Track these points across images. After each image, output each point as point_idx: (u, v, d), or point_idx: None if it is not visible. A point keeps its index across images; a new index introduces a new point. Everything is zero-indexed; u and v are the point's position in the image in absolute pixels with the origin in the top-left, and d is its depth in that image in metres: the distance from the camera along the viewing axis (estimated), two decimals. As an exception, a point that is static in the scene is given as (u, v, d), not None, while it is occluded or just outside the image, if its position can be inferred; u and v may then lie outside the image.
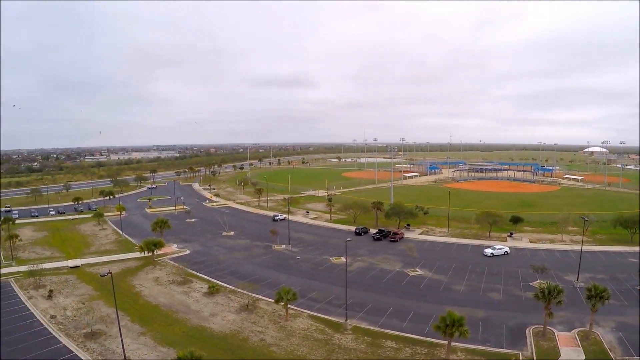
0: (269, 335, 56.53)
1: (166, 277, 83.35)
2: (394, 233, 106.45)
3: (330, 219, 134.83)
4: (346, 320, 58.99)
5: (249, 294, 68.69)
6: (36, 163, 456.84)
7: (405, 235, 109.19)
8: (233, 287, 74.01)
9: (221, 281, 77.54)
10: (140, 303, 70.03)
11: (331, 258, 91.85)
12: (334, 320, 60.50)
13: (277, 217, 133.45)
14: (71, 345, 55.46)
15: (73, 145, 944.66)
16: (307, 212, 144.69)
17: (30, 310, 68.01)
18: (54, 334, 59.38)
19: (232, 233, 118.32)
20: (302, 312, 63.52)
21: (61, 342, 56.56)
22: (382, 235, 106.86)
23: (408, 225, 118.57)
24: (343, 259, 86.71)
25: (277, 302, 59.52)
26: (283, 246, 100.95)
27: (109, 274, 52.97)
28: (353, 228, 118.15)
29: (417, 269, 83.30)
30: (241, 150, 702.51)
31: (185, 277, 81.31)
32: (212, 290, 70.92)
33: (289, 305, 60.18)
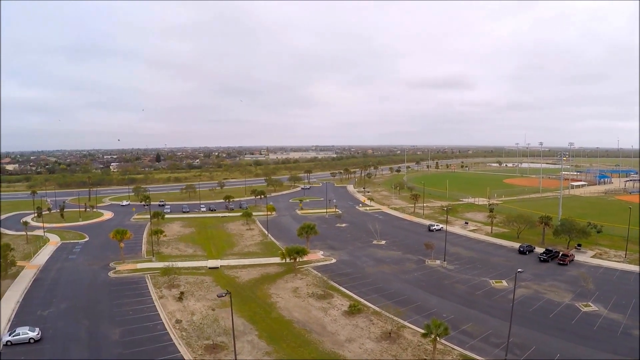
0: (409, 376, 51.78)
1: (306, 288, 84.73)
2: (563, 255, 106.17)
3: (491, 232, 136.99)
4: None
5: (394, 318, 67.52)
6: (197, 160, 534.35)
7: (576, 258, 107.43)
8: (377, 308, 74.23)
9: (365, 299, 78.92)
10: (273, 316, 70.98)
11: (491, 281, 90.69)
12: (489, 363, 57.02)
13: (433, 227, 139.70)
14: (188, 358, 56.94)
15: (235, 144, 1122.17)
16: (466, 223, 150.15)
17: (157, 311, 73.60)
18: (175, 341, 62.01)
19: (383, 242, 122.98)
20: (453, 349, 60.91)
21: (179, 352, 58.59)
22: (550, 256, 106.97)
23: (579, 245, 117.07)
24: (504, 282, 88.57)
25: (424, 336, 57.47)
26: (437, 262, 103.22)
27: (226, 295, 52.46)
28: (516, 245, 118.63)
29: (590, 303, 78.55)
30: (398, 152, 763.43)
31: (327, 291, 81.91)
32: (353, 310, 71.86)
33: (438, 340, 57.23)
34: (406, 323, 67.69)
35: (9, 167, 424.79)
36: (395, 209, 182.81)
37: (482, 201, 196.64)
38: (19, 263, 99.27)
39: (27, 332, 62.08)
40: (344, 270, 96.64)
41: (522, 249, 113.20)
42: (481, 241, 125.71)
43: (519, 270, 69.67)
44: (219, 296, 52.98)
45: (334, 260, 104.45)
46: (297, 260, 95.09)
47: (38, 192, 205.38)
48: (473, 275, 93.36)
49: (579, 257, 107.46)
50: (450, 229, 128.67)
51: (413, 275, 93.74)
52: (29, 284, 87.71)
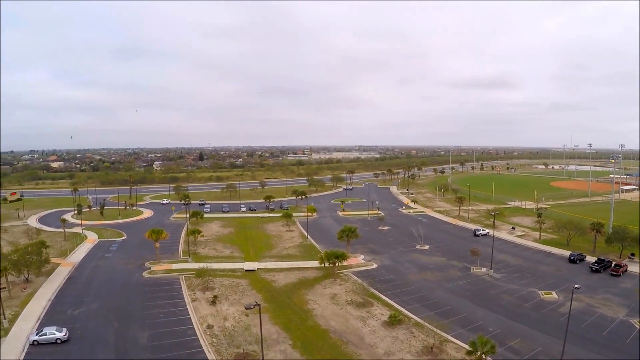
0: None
1: (345, 295, 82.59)
2: (616, 265, 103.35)
3: (539, 238, 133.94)
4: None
5: (437, 331, 65.08)
6: (240, 159, 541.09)
7: (629, 269, 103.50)
8: (419, 319, 72.23)
9: (406, 309, 76.98)
10: (309, 324, 69.10)
11: (540, 292, 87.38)
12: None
13: (479, 232, 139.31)
14: (215, 367, 55.26)
15: (279, 144, 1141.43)
16: (513, 228, 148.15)
17: (189, 314, 72.71)
18: (204, 347, 60.68)
19: (426, 247, 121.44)
20: (498, 367, 58.14)
21: (207, 360, 56.92)
22: (602, 266, 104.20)
23: (632, 255, 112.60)
24: (554, 294, 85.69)
25: (469, 353, 55.61)
26: (484, 269, 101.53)
27: (255, 307, 50.71)
28: (566, 253, 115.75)
29: (645, 320, 74.09)
30: (442, 152, 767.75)
31: (366, 298, 79.84)
32: (393, 320, 69.83)
33: (483, 358, 55.35)
34: (449, 337, 65.34)
35: (54, 165, 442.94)
36: (439, 211, 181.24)
37: (529, 205, 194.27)
38: (55, 260, 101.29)
39: (54, 333, 62.22)
40: (385, 276, 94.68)
41: (572, 258, 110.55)
42: (529, 248, 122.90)
43: (576, 286, 65.53)
44: (247, 307, 51.11)
45: (375, 266, 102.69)
46: (337, 265, 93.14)
47: (80, 189, 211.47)
48: (521, 286, 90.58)
49: (632, 268, 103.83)
50: (496, 234, 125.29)
51: (458, 283, 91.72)
52: (62, 282, 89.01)
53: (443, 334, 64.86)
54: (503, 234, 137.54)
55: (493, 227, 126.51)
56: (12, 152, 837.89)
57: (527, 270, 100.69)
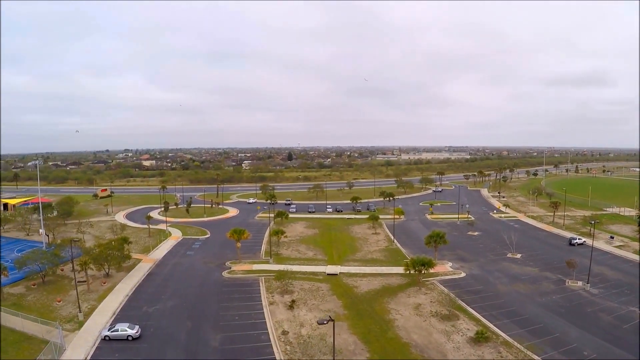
0: None
1: (429, 305, 78.21)
2: None
3: None
4: None
5: (527, 352, 61.61)
6: (328, 159, 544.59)
7: None
8: (507, 337, 67.28)
9: (494, 324, 72.29)
10: (389, 336, 65.27)
11: None
12: None
13: (575, 241, 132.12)
14: (286, 378, 52.55)
15: (368, 144, 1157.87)
16: (611, 238, 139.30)
17: (265, 318, 71.01)
18: (277, 355, 58.50)
19: (518, 256, 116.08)
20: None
21: (278, 370, 54.61)
22: None
23: None
24: None
25: None
26: (579, 283, 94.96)
27: (328, 322, 47.32)
28: None
29: None
30: (534, 154, 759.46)
31: (452, 311, 75.13)
32: (480, 338, 65.40)
33: None
34: (539, 360, 59.41)
35: (146, 163, 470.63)
36: (532, 217, 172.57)
37: (628, 212, 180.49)
38: (136, 256, 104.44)
39: (125, 330, 62.67)
40: (473, 286, 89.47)
41: None
42: (629, 260, 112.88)
43: None
44: (319, 323, 47.68)
45: (463, 274, 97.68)
46: (423, 272, 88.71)
47: (169, 187, 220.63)
48: (620, 304, 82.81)
49: None
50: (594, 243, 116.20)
51: (551, 298, 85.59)
52: (142, 278, 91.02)
53: (533, 355, 60.62)
54: (601, 243, 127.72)
55: (592, 237, 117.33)
56: (107, 151, 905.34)
57: (626, 286, 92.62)
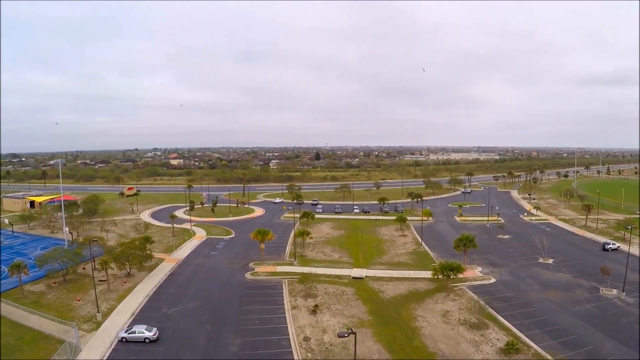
0: None
1: (458, 313, 75.25)
2: None
3: None
4: None
5: None
6: (356, 159, 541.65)
7: None
8: (539, 349, 64.41)
9: (525, 334, 69.35)
10: (415, 345, 62.77)
11: None
12: None
13: (609, 246, 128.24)
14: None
15: (396, 144, 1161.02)
16: None
17: (286, 323, 69.23)
18: None
19: (550, 261, 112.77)
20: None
21: (296, 379, 52.62)
22: None
23: None
24: None
25: None
26: (614, 292, 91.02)
27: (349, 335, 45.07)
28: None
29: None
30: (565, 154, 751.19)
31: (481, 319, 72.14)
32: (510, 349, 62.96)
33: None
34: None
35: (174, 162, 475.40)
36: (563, 220, 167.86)
37: None
38: (159, 255, 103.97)
39: (143, 332, 61.76)
40: (503, 293, 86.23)
41: None
42: None
43: None
44: (340, 336, 45.36)
45: (493, 280, 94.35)
46: (452, 277, 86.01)
47: (195, 186, 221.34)
48: None
49: None
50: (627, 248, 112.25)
51: (584, 307, 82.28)
52: (163, 279, 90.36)
53: (567, 370, 57.11)
54: (635, 248, 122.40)
55: (629, 243, 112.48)
56: (136, 149, 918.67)
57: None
